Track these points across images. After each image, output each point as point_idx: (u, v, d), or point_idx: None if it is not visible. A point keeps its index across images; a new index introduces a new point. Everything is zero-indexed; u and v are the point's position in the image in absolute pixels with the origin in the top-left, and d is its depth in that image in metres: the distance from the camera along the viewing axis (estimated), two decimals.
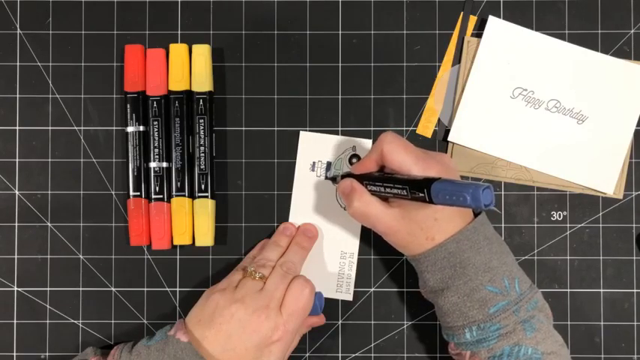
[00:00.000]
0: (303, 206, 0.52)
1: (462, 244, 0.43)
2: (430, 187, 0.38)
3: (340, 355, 0.52)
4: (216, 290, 0.45)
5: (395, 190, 0.42)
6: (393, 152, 0.43)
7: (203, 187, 0.51)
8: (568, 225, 0.52)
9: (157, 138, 0.51)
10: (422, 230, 0.43)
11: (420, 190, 0.39)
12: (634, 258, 0.52)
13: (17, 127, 0.53)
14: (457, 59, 0.53)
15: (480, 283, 0.42)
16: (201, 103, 0.51)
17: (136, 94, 0.51)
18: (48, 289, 0.52)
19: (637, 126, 0.52)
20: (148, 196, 0.51)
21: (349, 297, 0.52)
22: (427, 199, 0.39)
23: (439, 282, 0.44)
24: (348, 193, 0.45)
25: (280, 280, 0.46)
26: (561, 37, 0.52)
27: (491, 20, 0.52)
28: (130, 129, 0.51)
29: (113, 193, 0.52)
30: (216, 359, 0.43)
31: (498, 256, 0.43)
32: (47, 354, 0.52)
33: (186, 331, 0.44)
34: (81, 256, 0.52)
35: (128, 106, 0.51)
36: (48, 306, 0.52)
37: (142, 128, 0.51)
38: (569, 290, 0.52)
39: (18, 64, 0.53)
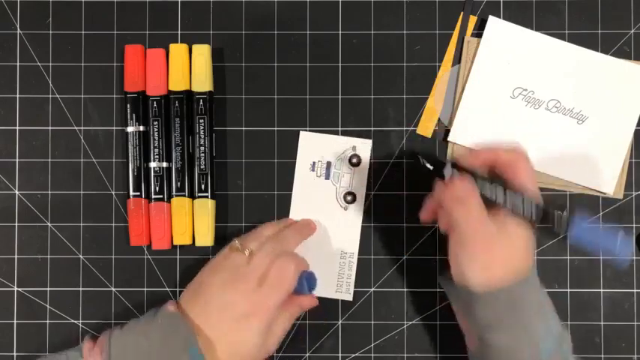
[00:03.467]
0: (303, 206, 0.52)
1: (530, 283, 0.43)
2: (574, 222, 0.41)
3: (340, 355, 0.52)
4: (207, 264, 0.46)
5: (524, 208, 0.42)
6: (526, 169, 0.43)
7: (203, 187, 0.51)
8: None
9: (157, 138, 0.51)
10: (513, 254, 0.42)
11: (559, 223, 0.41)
12: (634, 258, 0.52)
13: (17, 127, 0.53)
14: (457, 59, 0.53)
15: (533, 323, 0.42)
16: (201, 103, 0.51)
17: (135, 94, 0.51)
18: (48, 289, 0.52)
19: (637, 126, 0.52)
20: (148, 196, 0.51)
21: (349, 297, 0.52)
22: (558, 231, 0.42)
23: (491, 319, 0.42)
24: (465, 197, 0.42)
25: (267, 254, 0.45)
26: (561, 37, 0.52)
27: (491, 20, 0.52)
28: (129, 129, 0.51)
29: (113, 193, 0.52)
30: (200, 329, 0.43)
31: (543, 295, 0.44)
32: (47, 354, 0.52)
33: (176, 304, 0.45)
34: (81, 256, 0.52)
35: (128, 106, 0.51)
36: (48, 306, 0.52)
37: (142, 128, 0.51)
38: (569, 290, 0.52)
39: (18, 64, 0.53)
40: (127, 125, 0.51)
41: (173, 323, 0.43)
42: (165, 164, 0.51)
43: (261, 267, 0.44)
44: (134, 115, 0.51)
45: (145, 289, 0.52)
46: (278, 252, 0.46)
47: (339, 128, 0.53)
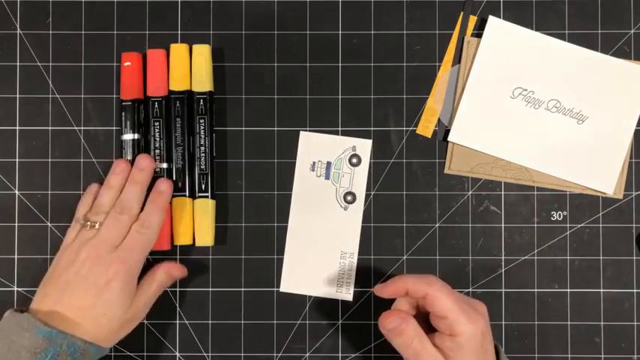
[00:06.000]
0: (303, 206, 0.52)
1: None
2: None
3: (340, 355, 0.52)
4: (60, 250, 0.47)
5: None
6: (441, 299, 0.41)
7: (203, 187, 0.51)
8: (568, 225, 0.52)
9: (157, 139, 0.51)
10: None
11: None
12: (634, 258, 0.52)
13: (17, 127, 0.53)
14: (457, 59, 0.53)
15: None
16: (201, 103, 0.51)
17: (130, 101, 0.51)
18: None
19: (637, 126, 0.52)
20: None
21: (349, 297, 0.52)
22: None
23: None
24: (398, 329, 0.42)
25: (114, 223, 0.46)
26: (561, 37, 0.52)
27: (491, 20, 0.52)
28: (125, 137, 0.51)
29: None
30: (58, 312, 0.43)
31: None
32: None
33: (17, 309, 0.44)
34: None
35: (124, 114, 0.51)
36: None
37: (136, 136, 0.51)
38: (569, 290, 0.52)
39: (18, 64, 0.53)
40: (122, 133, 0.51)
41: (9, 321, 0.43)
42: (165, 165, 0.51)
43: (110, 236, 0.45)
44: (128, 122, 0.51)
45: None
46: (126, 216, 0.46)
47: (339, 128, 0.53)
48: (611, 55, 0.52)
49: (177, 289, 0.52)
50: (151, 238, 0.47)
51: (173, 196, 0.51)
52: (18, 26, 0.53)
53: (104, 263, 0.44)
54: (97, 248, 0.45)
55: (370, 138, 0.52)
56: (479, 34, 0.52)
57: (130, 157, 0.50)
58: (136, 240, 0.46)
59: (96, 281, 0.44)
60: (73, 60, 0.53)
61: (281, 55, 0.53)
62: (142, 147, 0.51)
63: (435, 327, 0.43)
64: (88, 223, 0.46)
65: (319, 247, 0.52)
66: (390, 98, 0.53)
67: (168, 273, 0.49)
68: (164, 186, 0.49)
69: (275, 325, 0.52)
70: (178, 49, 0.51)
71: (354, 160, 0.52)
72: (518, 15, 0.52)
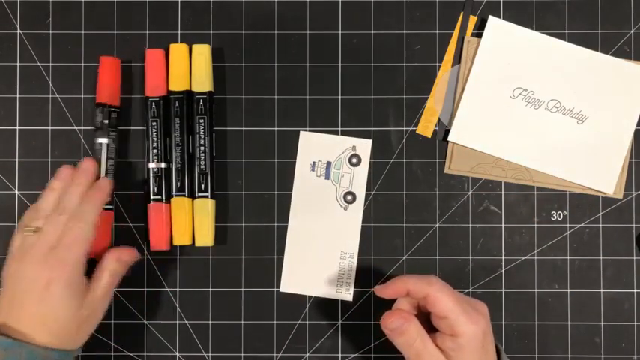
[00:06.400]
0: (303, 206, 0.52)
1: None
2: None
3: (340, 355, 0.52)
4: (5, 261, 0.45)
5: None
6: (442, 300, 0.41)
7: (203, 187, 0.51)
8: (568, 225, 0.52)
9: (155, 139, 0.51)
10: None
11: None
12: (634, 258, 0.52)
13: (17, 127, 0.53)
14: (457, 59, 0.53)
15: None
16: (201, 103, 0.51)
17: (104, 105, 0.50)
18: None
19: (637, 126, 0.52)
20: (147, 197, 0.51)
21: (349, 297, 0.52)
22: None
23: None
24: (400, 328, 0.42)
25: (53, 224, 0.44)
26: (561, 37, 0.52)
27: (491, 20, 0.52)
28: (101, 140, 0.50)
29: (113, 193, 0.52)
30: (12, 322, 0.42)
31: None
32: None
33: None
34: None
35: (99, 116, 0.50)
36: None
37: (106, 141, 0.50)
38: (569, 290, 0.52)
39: (18, 64, 0.53)
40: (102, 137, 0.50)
41: None
42: (163, 165, 0.51)
43: (49, 237, 0.44)
44: (105, 124, 0.50)
45: (145, 289, 0.52)
46: (65, 216, 0.45)
47: (339, 128, 0.53)
48: (611, 55, 0.52)
49: (178, 289, 0.52)
50: (86, 231, 0.45)
51: (173, 196, 0.51)
52: (18, 26, 0.53)
53: (43, 266, 0.43)
54: (38, 252, 0.43)
55: (370, 138, 0.52)
56: (479, 34, 0.52)
57: (107, 163, 0.50)
58: (71, 236, 0.44)
59: (38, 286, 0.42)
60: (73, 60, 0.53)
61: (281, 55, 0.53)
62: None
63: (436, 327, 0.43)
64: (28, 228, 0.45)
65: (319, 247, 0.52)
66: (390, 98, 0.53)
67: (118, 260, 0.47)
68: (104, 183, 0.48)
69: (275, 325, 0.52)
70: (178, 49, 0.51)
71: (354, 160, 0.52)
72: (518, 15, 0.52)
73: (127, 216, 0.52)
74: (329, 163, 0.52)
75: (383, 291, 0.44)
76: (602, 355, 0.52)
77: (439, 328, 0.42)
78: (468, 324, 0.41)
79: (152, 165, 0.51)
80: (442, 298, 0.41)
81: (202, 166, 0.51)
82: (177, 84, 0.51)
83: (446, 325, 0.41)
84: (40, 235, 0.44)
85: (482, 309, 0.43)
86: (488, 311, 0.43)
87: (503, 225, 0.52)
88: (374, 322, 0.52)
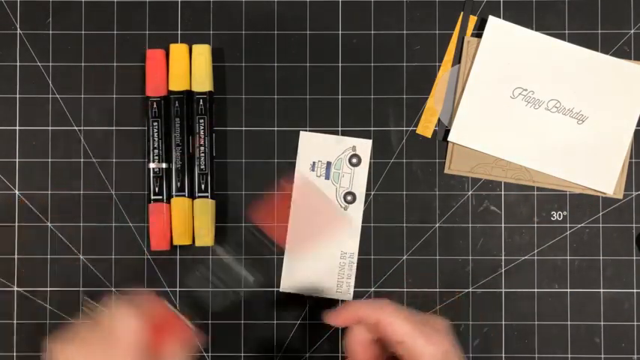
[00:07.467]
0: (303, 206, 0.52)
1: None
2: None
3: (340, 355, 0.52)
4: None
5: None
6: (395, 324, 0.39)
7: (203, 187, 0.51)
8: (568, 225, 0.52)
9: (156, 139, 0.51)
10: None
11: None
12: (634, 258, 0.52)
13: (17, 127, 0.53)
14: (457, 59, 0.53)
15: None
16: (201, 103, 0.51)
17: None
18: (48, 289, 0.52)
19: (637, 126, 0.52)
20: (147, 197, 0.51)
21: (349, 297, 0.52)
22: None
23: None
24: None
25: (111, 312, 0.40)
26: (561, 37, 0.52)
27: (491, 20, 0.52)
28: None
29: (113, 193, 0.52)
30: None
31: None
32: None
33: None
34: (81, 256, 0.52)
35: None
36: (48, 306, 0.52)
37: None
38: (569, 290, 0.52)
39: (18, 64, 0.53)
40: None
41: None
42: (164, 165, 0.51)
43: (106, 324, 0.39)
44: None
45: (145, 289, 0.52)
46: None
47: (339, 128, 0.53)
48: (611, 55, 0.52)
49: (178, 289, 0.52)
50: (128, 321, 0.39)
51: (173, 197, 0.51)
52: (18, 26, 0.53)
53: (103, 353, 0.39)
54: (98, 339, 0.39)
55: (370, 138, 0.52)
56: (479, 34, 0.52)
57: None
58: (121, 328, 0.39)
59: None
60: (73, 60, 0.53)
61: (281, 55, 0.53)
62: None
63: (395, 353, 0.40)
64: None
65: (319, 247, 0.52)
66: (390, 98, 0.53)
67: (179, 340, 0.42)
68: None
69: (275, 325, 0.52)
70: (178, 49, 0.51)
71: (354, 160, 0.52)
72: (518, 15, 0.52)
73: (127, 216, 0.52)
74: (329, 163, 0.52)
75: (333, 319, 0.41)
76: (602, 355, 0.52)
77: (397, 354, 0.40)
78: (426, 346, 0.38)
79: (153, 165, 0.51)
80: (395, 323, 0.39)
81: (202, 166, 0.51)
82: (178, 84, 0.51)
83: (404, 350, 0.39)
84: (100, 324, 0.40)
85: (441, 327, 0.40)
86: (449, 327, 0.41)
87: (503, 225, 0.52)
88: None
